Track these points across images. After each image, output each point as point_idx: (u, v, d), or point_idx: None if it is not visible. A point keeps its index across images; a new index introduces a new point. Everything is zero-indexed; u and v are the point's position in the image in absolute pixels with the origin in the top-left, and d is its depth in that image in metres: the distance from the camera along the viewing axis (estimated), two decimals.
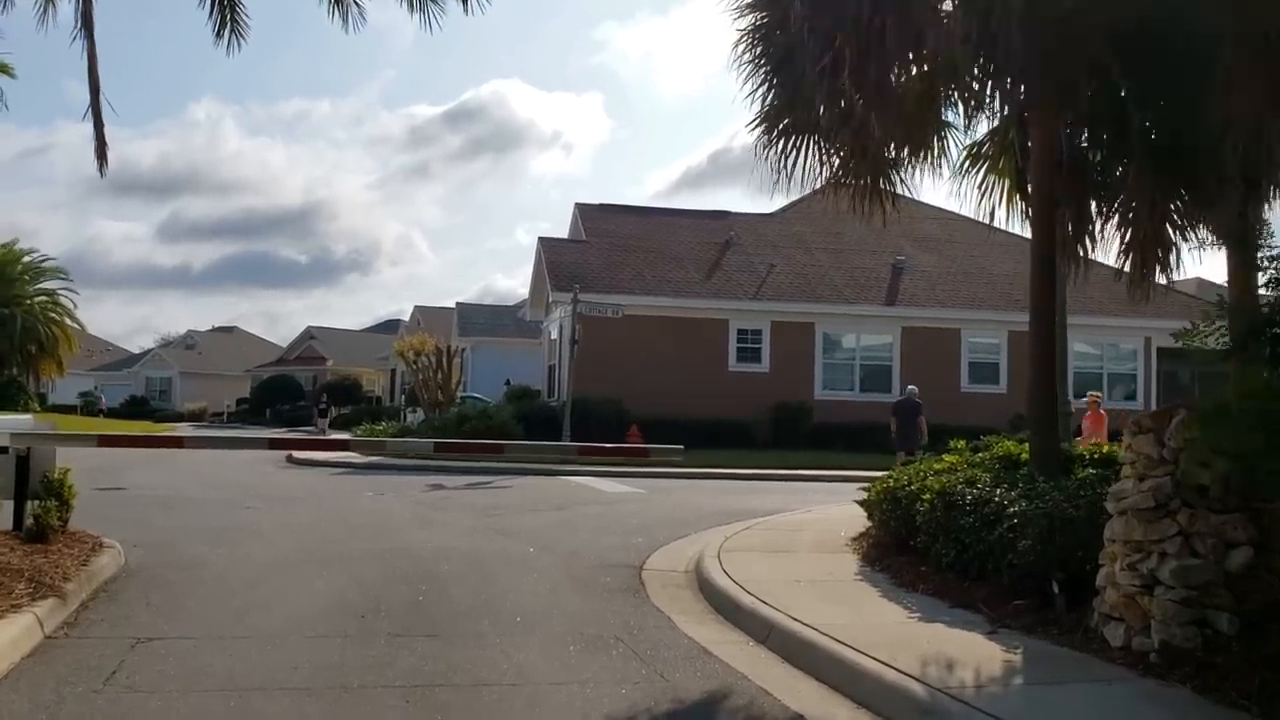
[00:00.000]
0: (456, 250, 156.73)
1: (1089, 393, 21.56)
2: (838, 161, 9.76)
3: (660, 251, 32.05)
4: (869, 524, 11.49)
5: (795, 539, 11.21)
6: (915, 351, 30.69)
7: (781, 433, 28.76)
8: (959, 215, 36.90)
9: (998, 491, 8.09)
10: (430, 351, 32.82)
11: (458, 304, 51.00)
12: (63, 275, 56.93)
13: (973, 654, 6.40)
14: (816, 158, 9.71)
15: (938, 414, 27.19)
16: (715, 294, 30.63)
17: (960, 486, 8.50)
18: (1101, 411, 20.54)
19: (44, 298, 55.51)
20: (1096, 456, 9.36)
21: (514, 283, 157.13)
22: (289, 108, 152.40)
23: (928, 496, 8.69)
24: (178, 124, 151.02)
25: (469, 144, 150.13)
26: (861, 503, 11.53)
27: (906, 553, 9.19)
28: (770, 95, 9.59)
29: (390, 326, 75.62)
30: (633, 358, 28.66)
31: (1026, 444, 10.11)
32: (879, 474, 22.55)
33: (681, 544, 11.47)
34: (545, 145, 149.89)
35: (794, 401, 29.38)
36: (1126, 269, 9.81)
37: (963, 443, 10.83)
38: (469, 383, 40.12)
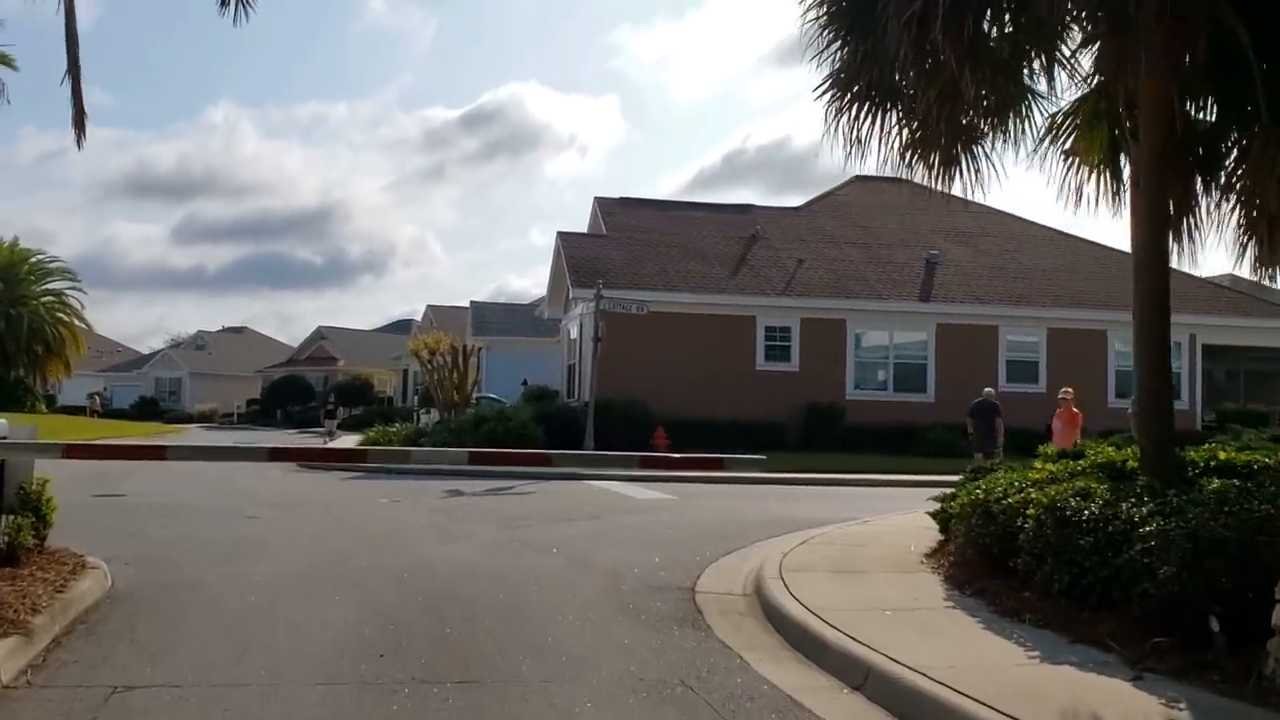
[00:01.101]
0: (470, 252, 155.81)
1: (1063, 389, 19.56)
2: (916, 125, 8.58)
3: (684, 246, 30.85)
4: (940, 538, 10.38)
5: (861, 555, 10.04)
6: (950, 349, 29.46)
7: (812, 434, 27.54)
8: (992, 208, 35.79)
9: (1123, 506, 6.91)
10: (446, 350, 31.67)
11: (472, 303, 49.85)
12: (70, 275, 56.14)
13: (1123, 708, 5.26)
14: (895, 122, 8.54)
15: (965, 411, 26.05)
16: (742, 290, 29.41)
17: (1073, 500, 7.32)
18: (1075, 410, 18.66)
19: (51, 298, 54.67)
20: (1213, 464, 8.19)
21: (527, 283, 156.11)
22: (306, 111, 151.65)
23: (1033, 511, 7.51)
24: (196, 126, 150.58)
25: (485, 146, 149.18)
26: (935, 514, 10.40)
27: (1001, 574, 8.03)
28: (843, 54, 8.43)
29: (402, 326, 74.57)
30: (656, 357, 27.48)
31: (1128, 450, 8.95)
32: (921, 479, 21.41)
33: (732, 560, 10.34)
34: (561, 148, 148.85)
35: (825, 402, 28.15)
36: (1250, 252, 8.59)
37: (1052, 448, 9.66)
38: (484, 383, 38.99)
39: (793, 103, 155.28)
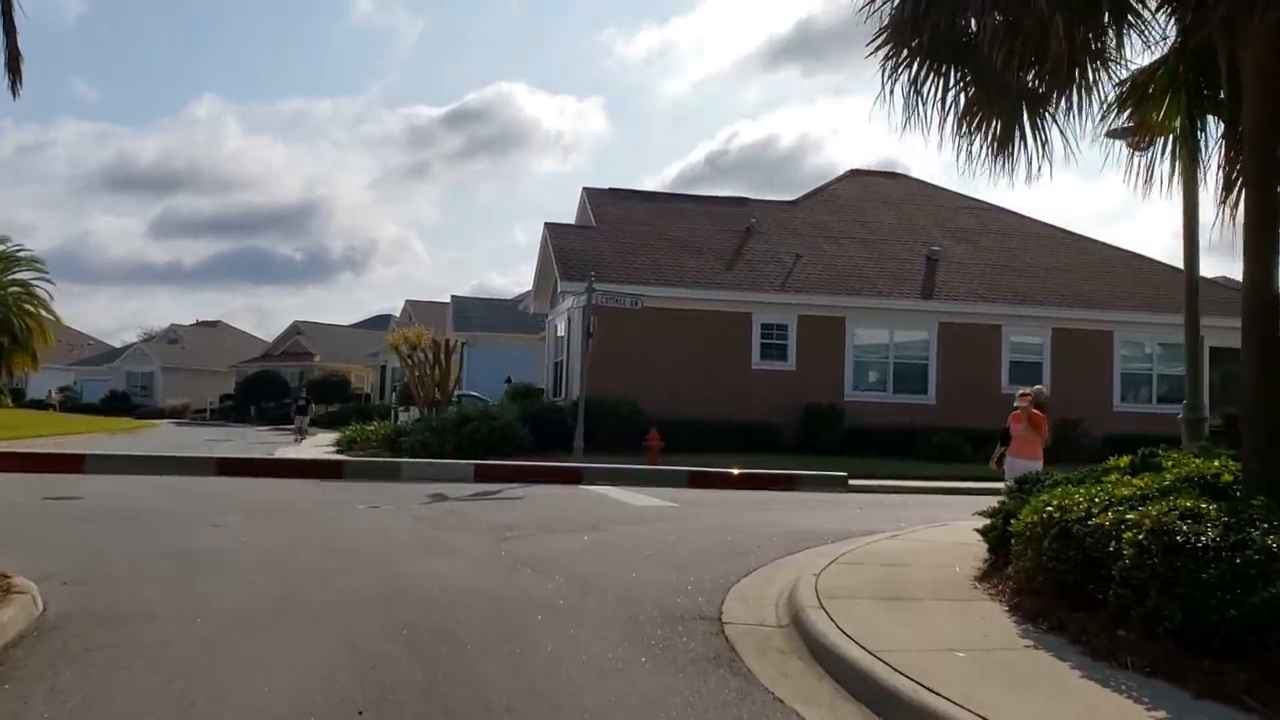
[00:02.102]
0: (452, 250, 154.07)
1: (1021, 390, 15.33)
2: (984, 84, 7.44)
3: (676, 239, 29.68)
4: (987, 557, 9.28)
5: (903, 578, 8.90)
6: (953, 349, 28.40)
7: (810, 436, 26.42)
8: (992, 204, 34.91)
9: (1252, 533, 5.79)
10: (427, 345, 30.40)
11: (453, 297, 48.60)
12: (37, 265, 54.39)
13: None
14: (957, 81, 7.39)
15: (976, 417, 25.06)
16: (737, 285, 28.25)
17: (1183, 523, 6.19)
18: (1038, 412, 14.31)
19: (17, 288, 52.91)
20: None
21: (508, 281, 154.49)
22: (290, 107, 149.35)
23: (1131, 535, 6.37)
24: (180, 121, 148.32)
25: (469, 146, 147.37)
26: (984, 530, 9.28)
27: (1082, 607, 6.89)
28: (903, 3, 7.29)
29: (380, 322, 73.06)
30: (648, 354, 26.33)
31: (1217, 461, 7.85)
32: (932, 485, 20.28)
33: (756, 582, 9.19)
34: (546, 147, 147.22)
35: (824, 403, 27.01)
36: None
37: (1125, 459, 8.56)
38: (465, 380, 37.73)
39: (776, 105, 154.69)
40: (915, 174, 37.21)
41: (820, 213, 32.43)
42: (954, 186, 35.66)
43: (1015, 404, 14.96)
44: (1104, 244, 33.26)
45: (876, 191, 34.34)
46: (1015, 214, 33.83)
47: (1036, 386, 19.19)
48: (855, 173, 36.36)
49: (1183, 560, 5.99)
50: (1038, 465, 13.68)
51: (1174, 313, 29.12)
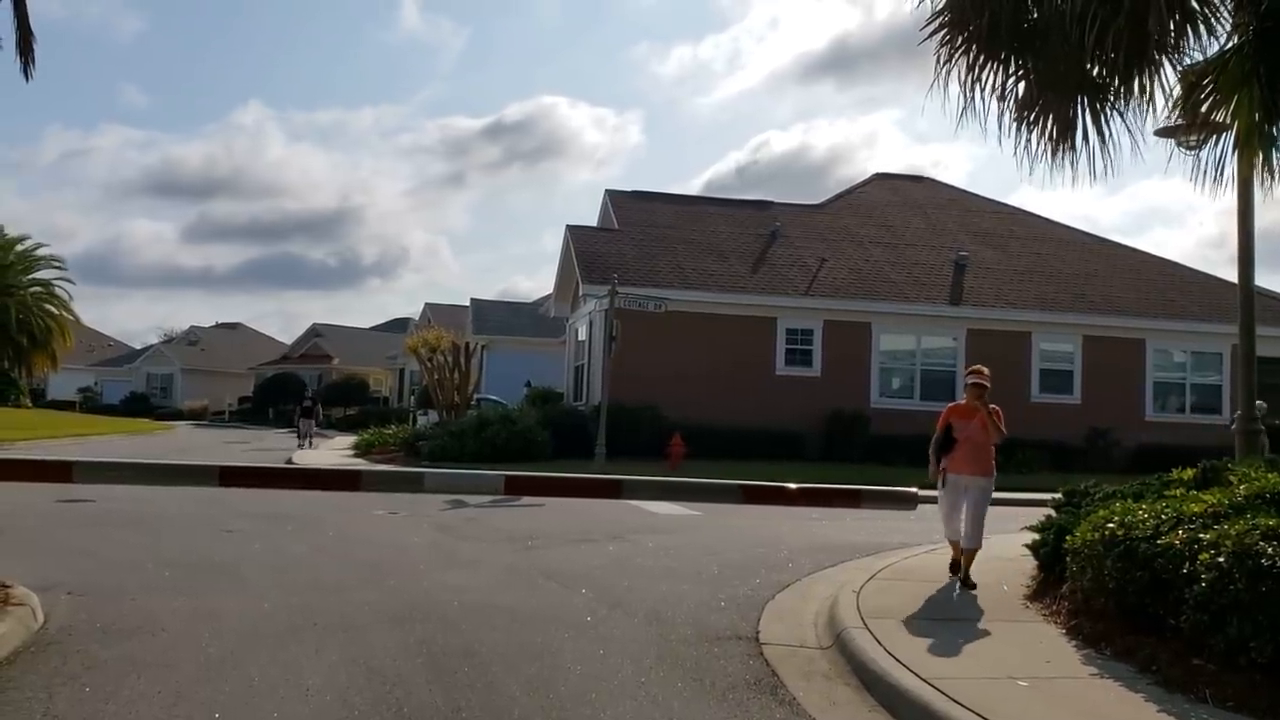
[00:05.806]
0: (480, 255, 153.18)
1: (973, 366, 10.31)
2: (1049, 71, 6.97)
3: (699, 243, 29.18)
4: (1034, 573, 8.81)
5: (949, 596, 8.44)
6: (980, 356, 27.59)
7: (834, 444, 25.83)
8: (1019, 209, 34.33)
9: None
10: (447, 349, 30.01)
11: (473, 300, 48.11)
12: (58, 265, 54.35)
13: None
14: (1016, 69, 6.93)
15: (1006, 426, 24.45)
16: (762, 290, 27.70)
17: (1266, 545, 5.70)
18: (994, 407, 9.93)
19: (38, 288, 52.87)
20: None
21: (533, 285, 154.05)
22: (331, 116, 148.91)
23: (1207, 557, 5.90)
24: (223, 128, 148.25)
25: (506, 155, 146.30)
26: (1033, 546, 8.81)
27: (1147, 631, 6.43)
28: None
29: (399, 325, 72.71)
30: (669, 359, 25.78)
31: None
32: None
33: (791, 598, 8.75)
34: (581, 158, 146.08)
35: (850, 410, 26.42)
36: None
37: (1189, 472, 8.07)
38: (483, 384, 37.32)
39: (808, 117, 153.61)
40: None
41: (845, 217, 31.89)
42: (982, 192, 35.07)
43: (967, 381, 10.08)
44: (1134, 250, 32.60)
45: (902, 195, 33.79)
46: (1043, 219, 33.25)
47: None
48: (881, 177, 35.82)
49: (1269, 585, 5.51)
50: (992, 486, 9.63)
51: (1207, 321, 28.61)
